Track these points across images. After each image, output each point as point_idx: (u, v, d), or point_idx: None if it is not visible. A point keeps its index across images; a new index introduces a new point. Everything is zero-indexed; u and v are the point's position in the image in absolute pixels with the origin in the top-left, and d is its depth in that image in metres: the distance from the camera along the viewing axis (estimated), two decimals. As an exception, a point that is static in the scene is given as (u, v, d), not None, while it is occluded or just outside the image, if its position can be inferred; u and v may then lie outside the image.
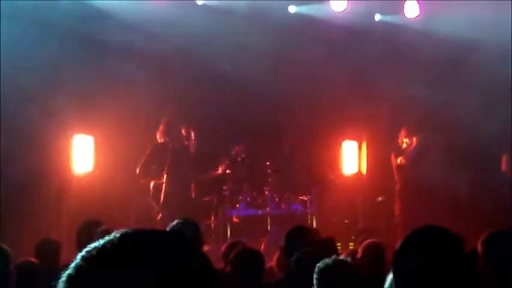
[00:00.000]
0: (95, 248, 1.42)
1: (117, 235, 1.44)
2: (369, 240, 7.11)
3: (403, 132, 12.27)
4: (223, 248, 7.73)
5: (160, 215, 10.99)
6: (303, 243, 6.36)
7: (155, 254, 1.40)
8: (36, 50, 11.25)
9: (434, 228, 3.15)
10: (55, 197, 11.81)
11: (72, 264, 1.42)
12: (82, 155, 12.04)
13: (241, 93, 12.78)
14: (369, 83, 13.11)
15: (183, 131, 11.41)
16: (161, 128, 11.31)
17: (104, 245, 1.42)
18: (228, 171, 11.79)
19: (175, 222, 6.51)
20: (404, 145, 12.23)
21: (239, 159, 11.72)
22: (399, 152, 12.25)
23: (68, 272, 1.41)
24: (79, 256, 1.42)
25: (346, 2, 13.26)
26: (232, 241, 8.72)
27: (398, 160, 12.13)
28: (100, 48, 11.97)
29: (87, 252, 1.42)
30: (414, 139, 12.11)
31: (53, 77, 11.53)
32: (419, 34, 13.43)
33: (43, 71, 11.25)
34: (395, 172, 12.25)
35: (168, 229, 6.47)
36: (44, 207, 11.72)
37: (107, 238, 1.44)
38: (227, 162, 11.66)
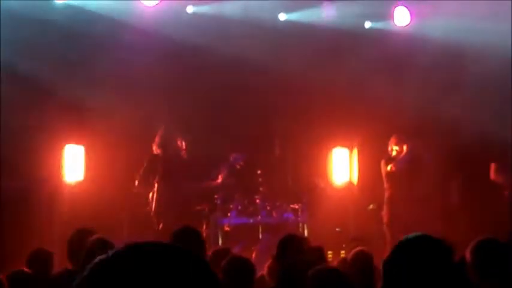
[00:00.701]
0: (101, 260, 1.44)
1: (126, 248, 1.46)
2: (357, 249, 7.13)
3: (392, 140, 12.26)
4: (209, 253, 7.72)
5: (161, 225, 11.02)
6: (294, 251, 6.39)
7: (166, 270, 1.43)
8: (28, 58, 11.28)
9: (423, 237, 3.18)
10: (47, 206, 11.81)
11: (81, 276, 1.44)
12: (73, 164, 12.05)
13: (232, 101, 12.82)
14: (360, 90, 13.13)
15: (178, 142, 11.42)
16: (157, 139, 11.35)
17: (111, 258, 1.45)
18: (222, 180, 11.81)
19: (178, 230, 6.54)
20: (394, 153, 12.22)
21: (238, 166, 11.75)
22: (389, 159, 12.24)
23: (76, 283, 1.43)
24: (88, 268, 1.44)
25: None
26: (217, 248, 8.74)
27: (388, 168, 12.12)
28: (91, 57, 11.98)
29: (96, 264, 1.44)
30: (404, 147, 12.10)
31: (44, 87, 11.54)
32: (411, 39, 13.48)
33: (34, 80, 11.28)
34: (384, 180, 12.24)
35: (171, 236, 6.51)
36: (35, 216, 11.71)
37: (112, 251, 1.46)
38: (225, 170, 11.67)
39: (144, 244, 1.48)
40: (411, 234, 3.20)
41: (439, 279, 2.98)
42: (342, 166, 13.69)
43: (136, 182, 11.33)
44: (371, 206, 13.37)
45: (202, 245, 6.57)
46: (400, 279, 3.00)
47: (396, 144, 12.17)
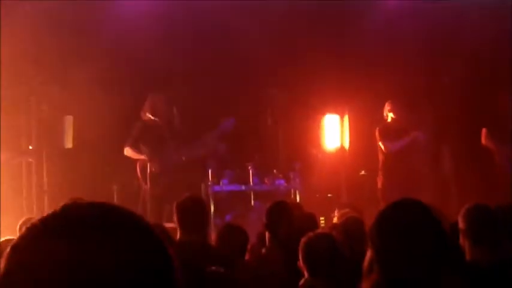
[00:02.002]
0: (40, 219, 1.43)
1: (61, 208, 1.44)
2: (348, 215, 7.15)
3: (387, 106, 12.17)
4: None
5: (147, 194, 10.99)
6: (284, 218, 6.41)
7: (96, 227, 1.40)
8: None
9: (409, 202, 3.18)
10: (36, 174, 11.82)
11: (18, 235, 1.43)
12: (62, 133, 12.02)
13: (223, 69, 12.81)
14: (350, 55, 13.12)
15: (168, 109, 11.38)
16: (146, 106, 11.28)
17: (46, 217, 1.43)
18: (213, 147, 11.76)
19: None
20: (389, 119, 12.14)
21: (228, 132, 11.69)
22: (386, 130, 12.07)
23: (13, 242, 1.42)
24: (25, 227, 1.43)
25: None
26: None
27: (386, 143, 11.97)
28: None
29: (32, 223, 1.42)
30: (398, 113, 11.98)
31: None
32: (407, 4, 13.40)
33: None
34: (378, 146, 12.17)
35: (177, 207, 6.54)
36: (26, 184, 11.74)
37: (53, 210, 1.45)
38: (216, 135, 11.62)
39: (81, 205, 1.46)
40: (397, 200, 3.21)
41: (426, 243, 2.99)
42: (333, 132, 13.69)
43: (125, 149, 11.27)
44: (362, 172, 13.38)
45: (205, 213, 6.63)
46: (387, 245, 3.01)
47: (391, 111, 12.08)
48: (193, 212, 6.46)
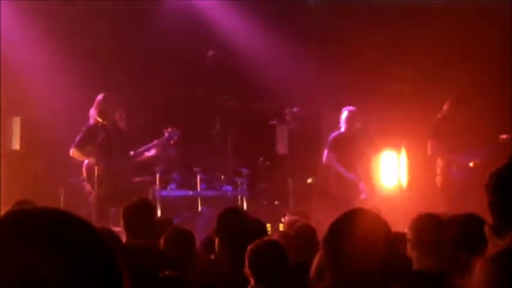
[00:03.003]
0: None
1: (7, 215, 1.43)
2: (301, 223, 7.17)
3: (347, 116, 12.04)
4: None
5: (92, 196, 10.89)
6: (234, 224, 6.41)
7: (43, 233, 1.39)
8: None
9: (363, 211, 3.24)
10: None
11: None
12: (9, 134, 11.90)
13: (174, 74, 12.81)
14: (294, 61, 13.19)
15: (116, 113, 11.30)
16: (94, 108, 11.19)
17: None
18: (160, 152, 11.70)
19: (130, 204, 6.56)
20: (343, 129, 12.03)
21: (172, 142, 11.64)
22: (336, 139, 12.00)
23: None
24: None
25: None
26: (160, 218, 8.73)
27: (325, 152, 11.98)
28: (32, 26, 11.84)
29: None
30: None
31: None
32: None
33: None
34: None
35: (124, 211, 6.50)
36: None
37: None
38: (160, 145, 11.56)
39: (28, 210, 1.45)
40: (349, 209, 3.26)
41: (377, 251, 3.03)
42: (282, 139, 13.72)
43: (71, 151, 11.17)
44: (310, 180, 13.44)
45: (153, 216, 6.60)
46: (338, 253, 3.05)
47: (345, 121, 11.99)
48: (141, 216, 6.43)
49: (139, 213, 6.44)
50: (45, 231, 1.40)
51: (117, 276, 1.43)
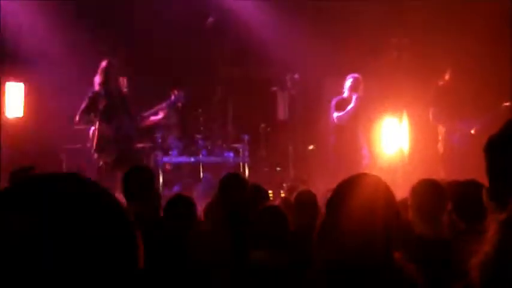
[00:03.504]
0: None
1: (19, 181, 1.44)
2: (301, 189, 7.18)
3: (348, 82, 11.94)
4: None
5: (98, 162, 10.90)
6: (236, 190, 6.42)
7: (49, 196, 1.40)
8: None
9: (366, 175, 3.26)
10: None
11: None
12: (13, 101, 11.91)
13: (174, 40, 12.78)
14: (294, 28, 13.15)
15: (120, 78, 11.27)
16: (98, 75, 11.16)
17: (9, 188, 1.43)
18: (163, 118, 11.67)
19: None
20: (346, 94, 11.89)
21: (179, 104, 11.61)
22: (341, 102, 11.92)
23: None
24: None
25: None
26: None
27: (336, 114, 11.83)
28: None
29: None
30: (354, 96, 11.82)
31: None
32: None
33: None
34: (331, 122, 11.99)
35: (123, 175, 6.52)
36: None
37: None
38: (166, 108, 11.53)
39: (48, 175, 1.45)
40: (353, 174, 3.27)
41: (381, 214, 3.05)
42: (283, 106, 13.71)
43: (77, 118, 11.16)
44: (311, 147, 13.46)
45: (152, 183, 6.61)
46: (339, 216, 3.06)
47: (350, 88, 11.89)
48: (140, 182, 6.44)
49: (138, 179, 6.44)
50: (65, 194, 1.41)
51: (129, 237, 1.45)
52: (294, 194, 6.82)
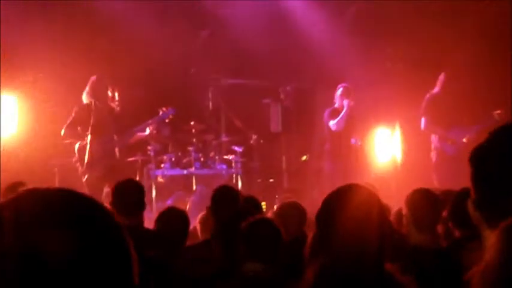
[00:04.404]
0: (10, 203, 1.42)
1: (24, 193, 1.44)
2: (289, 200, 7.16)
3: (338, 92, 11.99)
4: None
5: (86, 177, 10.86)
6: (228, 202, 6.41)
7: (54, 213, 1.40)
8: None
9: (355, 186, 3.23)
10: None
11: None
12: (4, 116, 11.85)
13: (166, 53, 12.77)
14: (293, 36, 13.16)
15: (109, 92, 11.26)
16: (87, 89, 11.15)
17: (16, 202, 1.42)
18: (154, 132, 11.67)
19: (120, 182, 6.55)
20: (337, 105, 11.95)
21: (167, 120, 11.64)
22: (333, 111, 11.97)
23: None
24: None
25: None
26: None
27: (331, 123, 11.85)
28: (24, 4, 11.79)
29: (3, 206, 1.41)
30: (345, 101, 11.86)
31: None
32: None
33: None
34: (326, 131, 12.04)
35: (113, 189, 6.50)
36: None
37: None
38: (155, 123, 11.55)
39: (43, 190, 1.45)
40: (343, 185, 3.25)
41: (371, 227, 3.03)
42: (276, 116, 13.69)
43: (63, 131, 11.12)
44: (304, 158, 13.45)
45: (142, 196, 6.59)
46: (333, 228, 3.04)
47: (341, 97, 11.95)
48: (129, 195, 6.43)
49: (127, 192, 6.44)
50: (59, 209, 1.41)
51: (126, 254, 1.44)
52: (278, 206, 6.82)
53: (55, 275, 1.34)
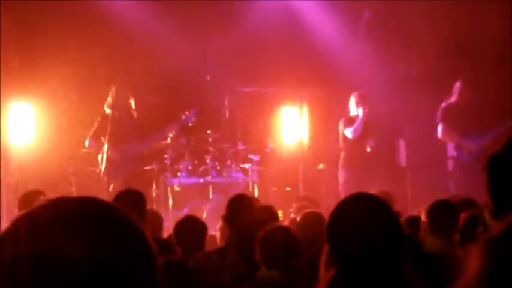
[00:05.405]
0: (28, 212, 1.42)
1: (48, 202, 1.43)
2: (308, 210, 7.16)
3: (352, 99, 11.98)
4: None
5: (111, 186, 10.91)
6: (244, 211, 6.42)
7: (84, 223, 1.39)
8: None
9: (364, 196, 3.23)
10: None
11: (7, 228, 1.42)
12: (21, 125, 11.91)
13: (183, 61, 12.80)
14: (311, 47, 13.14)
15: (128, 101, 11.32)
16: (109, 99, 11.22)
17: (34, 211, 1.42)
18: (175, 138, 11.72)
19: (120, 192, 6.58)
20: (353, 113, 11.93)
21: (190, 124, 11.68)
22: (348, 119, 11.97)
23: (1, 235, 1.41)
24: (15, 219, 1.42)
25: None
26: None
27: (347, 130, 11.83)
28: (41, 10, 11.86)
29: (21, 216, 1.41)
30: (360, 109, 11.84)
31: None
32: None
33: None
34: (341, 140, 12.03)
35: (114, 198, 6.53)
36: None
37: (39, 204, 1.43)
38: (177, 129, 11.60)
39: (67, 199, 1.45)
40: (351, 195, 3.25)
41: (380, 236, 3.03)
42: (292, 125, 13.67)
43: (87, 142, 11.23)
44: (321, 166, 13.42)
45: (143, 205, 6.59)
46: (342, 239, 3.04)
47: (356, 104, 11.95)
48: (131, 207, 6.44)
49: (128, 204, 6.44)
50: (87, 219, 1.40)
51: (153, 264, 1.44)
52: (302, 215, 6.82)
53: (76, 284, 1.34)
